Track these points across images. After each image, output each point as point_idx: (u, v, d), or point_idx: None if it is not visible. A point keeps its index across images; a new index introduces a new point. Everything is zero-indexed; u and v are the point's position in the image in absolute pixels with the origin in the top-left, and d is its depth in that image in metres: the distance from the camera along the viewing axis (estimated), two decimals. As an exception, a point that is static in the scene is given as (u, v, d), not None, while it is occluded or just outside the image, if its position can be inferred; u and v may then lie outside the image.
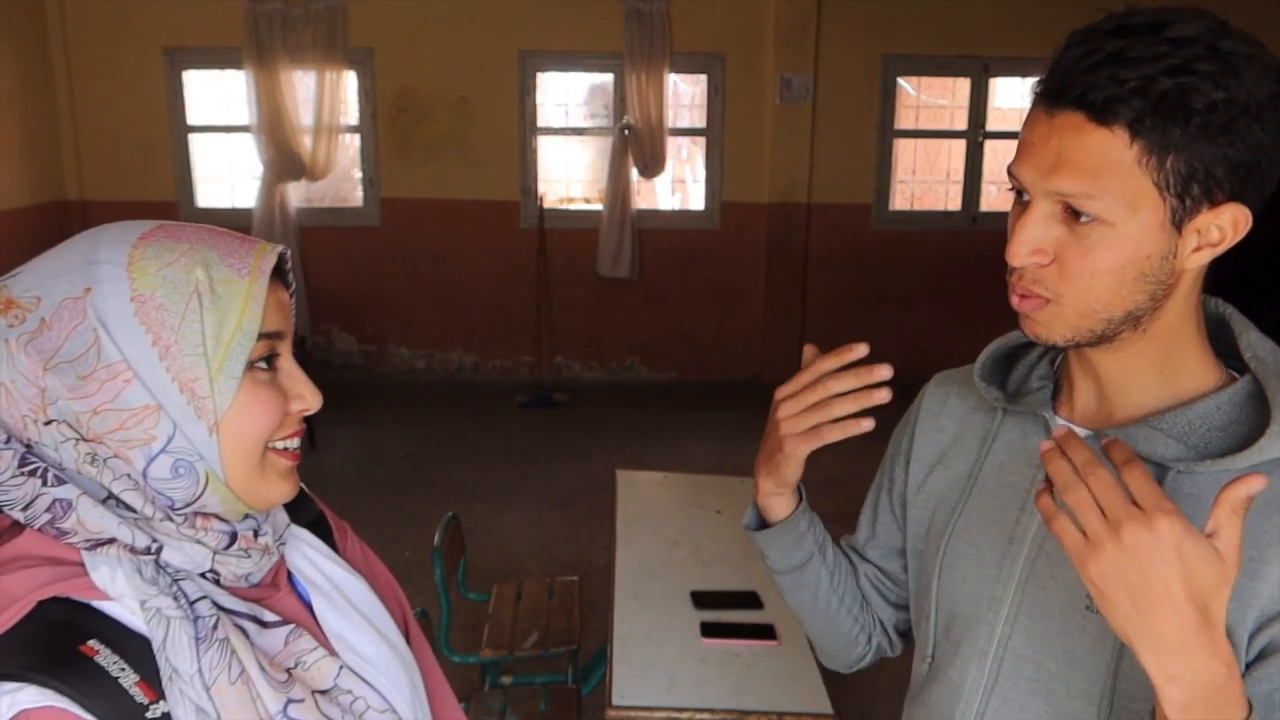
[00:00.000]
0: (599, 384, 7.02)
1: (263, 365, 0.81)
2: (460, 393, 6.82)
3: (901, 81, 6.86)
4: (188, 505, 0.78)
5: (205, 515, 0.80)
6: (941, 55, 6.63)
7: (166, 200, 6.62)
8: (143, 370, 0.75)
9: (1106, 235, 0.82)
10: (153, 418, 0.75)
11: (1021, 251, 0.86)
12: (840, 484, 5.24)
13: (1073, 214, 0.83)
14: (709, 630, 2.34)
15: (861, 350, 0.97)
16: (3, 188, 5.87)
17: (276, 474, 0.83)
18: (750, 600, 2.49)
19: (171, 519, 0.77)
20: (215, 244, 0.80)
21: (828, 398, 0.97)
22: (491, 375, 7.04)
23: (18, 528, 0.77)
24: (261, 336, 0.79)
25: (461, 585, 3.08)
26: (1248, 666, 0.85)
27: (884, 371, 0.94)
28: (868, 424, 0.95)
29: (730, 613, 2.43)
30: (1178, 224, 0.82)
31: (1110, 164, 0.80)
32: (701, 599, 2.48)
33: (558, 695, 2.64)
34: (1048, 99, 0.83)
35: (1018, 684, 0.95)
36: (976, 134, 6.85)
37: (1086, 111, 0.80)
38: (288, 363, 0.84)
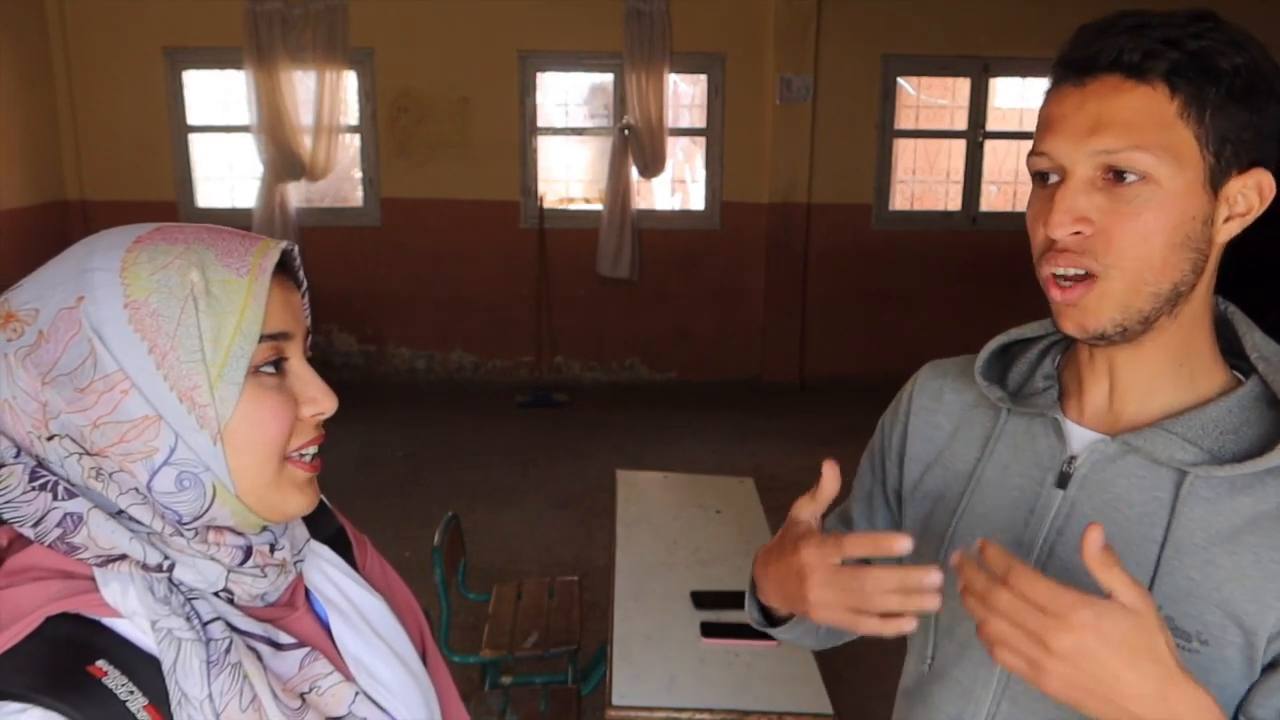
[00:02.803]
0: (599, 384, 7.02)
1: (269, 369, 0.77)
2: (460, 393, 6.82)
3: (901, 81, 6.86)
4: (196, 519, 0.75)
5: (218, 529, 0.77)
6: (941, 55, 6.63)
7: (166, 200, 6.62)
8: (140, 380, 0.72)
9: (1155, 194, 0.82)
10: (153, 429, 0.73)
11: (1064, 221, 0.84)
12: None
13: (1114, 178, 0.83)
14: (709, 630, 2.34)
15: (904, 547, 0.84)
16: (3, 188, 5.87)
17: (294, 485, 0.80)
18: (750, 600, 2.49)
19: (181, 534, 0.74)
20: (213, 244, 0.76)
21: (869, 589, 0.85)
22: (491, 375, 7.04)
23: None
24: (265, 338, 0.75)
25: (461, 585, 3.08)
26: (1263, 670, 0.85)
27: (934, 579, 0.83)
28: (908, 625, 0.85)
29: (730, 613, 2.42)
30: (1214, 187, 0.83)
31: (1154, 117, 0.81)
32: (701, 599, 2.48)
33: (558, 695, 2.64)
34: (1077, 70, 0.84)
35: (1029, 689, 0.92)
36: (976, 134, 6.85)
37: (1123, 71, 0.82)
38: (298, 365, 0.80)
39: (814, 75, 6.52)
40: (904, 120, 6.98)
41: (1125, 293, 0.85)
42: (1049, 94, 0.87)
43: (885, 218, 6.94)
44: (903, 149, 7.10)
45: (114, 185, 6.58)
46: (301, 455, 0.80)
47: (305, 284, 0.83)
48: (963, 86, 6.89)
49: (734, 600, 2.49)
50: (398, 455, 5.54)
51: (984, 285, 6.59)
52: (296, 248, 0.82)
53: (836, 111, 6.61)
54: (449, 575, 2.82)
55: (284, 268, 0.80)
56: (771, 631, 1.12)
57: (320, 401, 0.80)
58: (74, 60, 6.44)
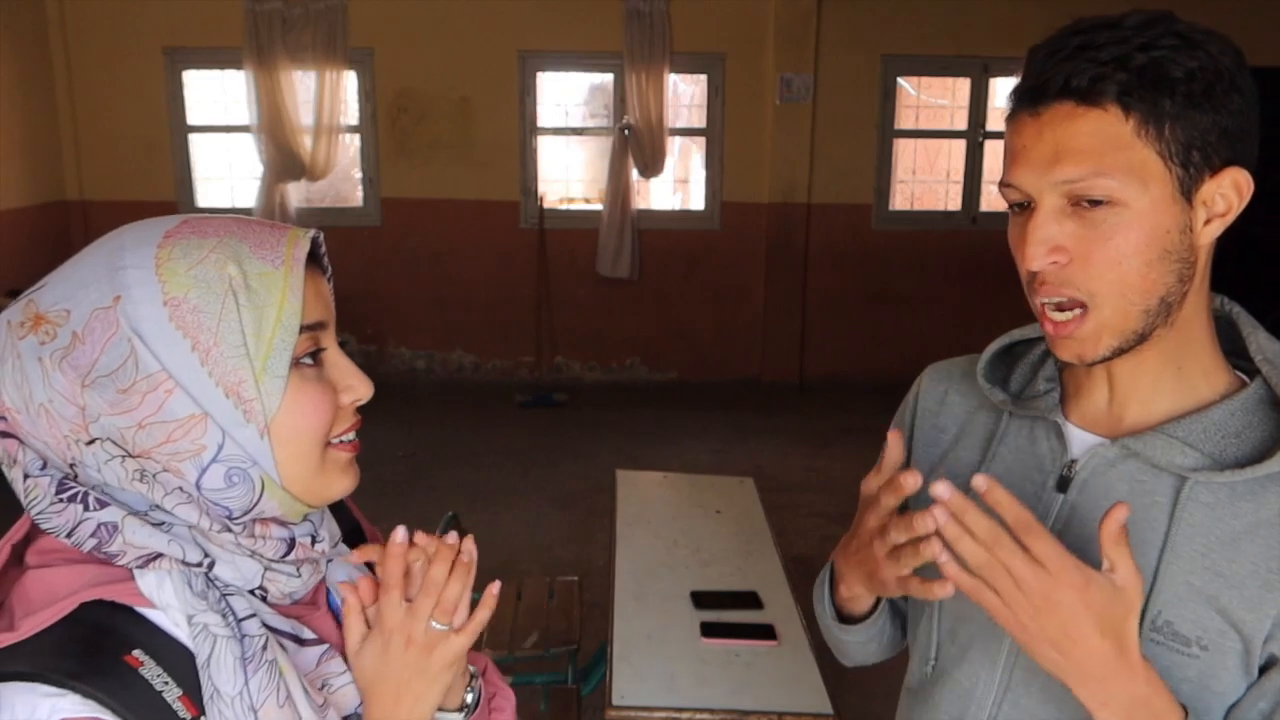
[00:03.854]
0: (599, 384, 7.02)
1: (308, 360, 0.77)
2: (460, 393, 6.81)
3: (901, 81, 6.86)
4: (246, 513, 0.75)
5: (264, 521, 0.77)
6: (941, 55, 6.63)
7: (166, 200, 6.63)
8: (184, 378, 0.71)
9: (1123, 216, 0.82)
10: (200, 427, 0.72)
11: (1039, 253, 0.84)
12: (840, 485, 5.24)
13: (1082, 204, 0.82)
14: (709, 630, 2.34)
15: (913, 484, 0.86)
16: (3, 188, 5.86)
17: (337, 469, 0.81)
18: (750, 600, 2.49)
19: (230, 529, 0.74)
20: (245, 236, 0.75)
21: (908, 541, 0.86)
22: (491, 375, 7.04)
23: None
24: (304, 329, 0.76)
25: (461, 585, 3.08)
26: (1260, 671, 0.85)
27: (910, 480, 0.86)
28: (945, 589, 0.83)
29: (730, 613, 2.42)
30: (1186, 195, 0.82)
31: (1110, 141, 0.80)
32: (701, 599, 2.48)
33: (558, 695, 2.64)
34: (1030, 100, 0.84)
35: (1030, 690, 0.95)
36: (976, 134, 6.85)
37: (1074, 98, 0.81)
38: (334, 354, 0.80)
39: (814, 75, 6.52)
40: (904, 120, 6.98)
41: (1117, 317, 0.85)
42: (1009, 123, 0.86)
43: (885, 218, 6.94)
44: (903, 149, 7.10)
45: (114, 185, 6.58)
46: (342, 439, 0.81)
47: (330, 270, 0.83)
48: (963, 86, 6.89)
49: (734, 600, 2.49)
50: (398, 455, 5.54)
51: (984, 285, 6.59)
52: (322, 234, 0.81)
53: (836, 111, 6.61)
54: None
55: (310, 255, 0.80)
56: (844, 633, 1.11)
57: (358, 388, 0.81)
58: (74, 60, 6.44)
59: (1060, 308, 0.86)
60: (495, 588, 0.84)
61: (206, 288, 0.72)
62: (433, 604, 0.80)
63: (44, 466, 0.72)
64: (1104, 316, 0.85)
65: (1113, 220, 0.82)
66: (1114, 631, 0.78)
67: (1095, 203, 0.82)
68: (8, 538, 0.76)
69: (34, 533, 0.76)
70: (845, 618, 1.10)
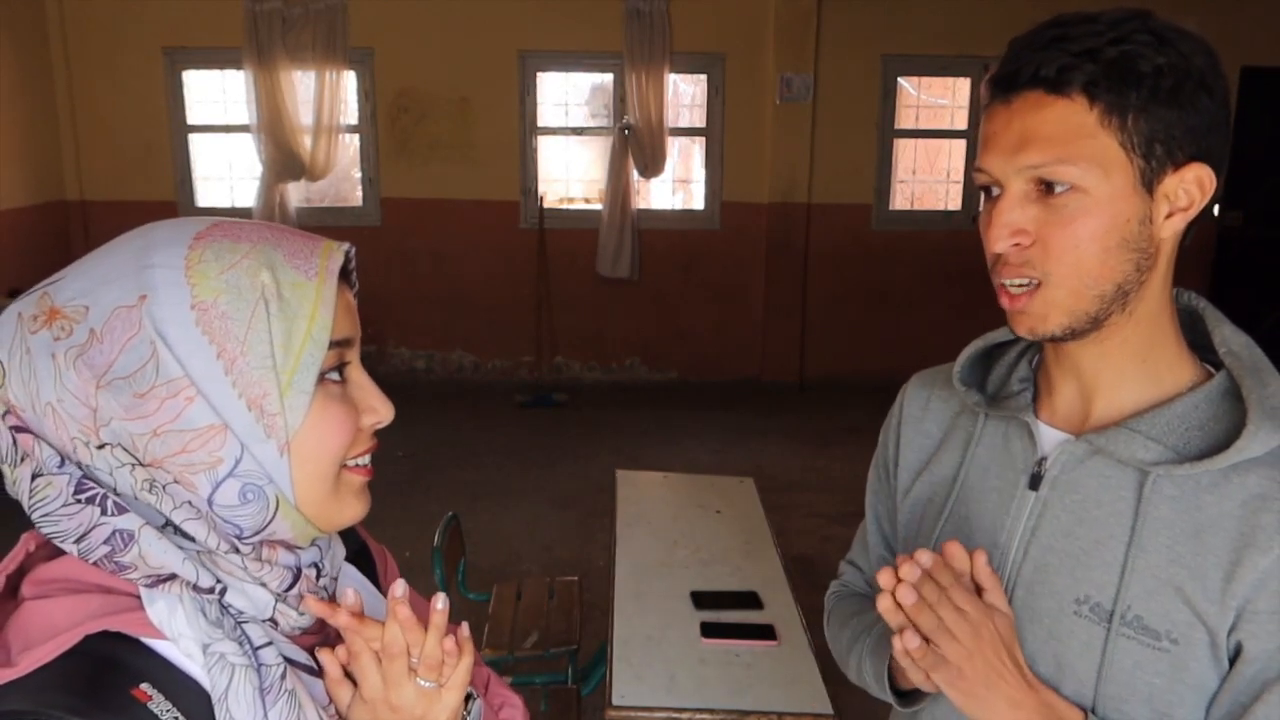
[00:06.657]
0: (599, 384, 7.02)
1: (334, 377, 0.74)
2: (460, 393, 6.81)
3: (902, 81, 6.86)
4: (257, 533, 0.71)
5: (271, 544, 0.74)
6: (941, 55, 6.63)
7: (166, 200, 6.63)
8: (206, 386, 0.68)
9: (1083, 202, 0.83)
10: (218, 439, 0.68)
11: (1001, 235, 0.86)
12: (840, 484, 5.24)
13: (1046, 189, 0.84)
14: (709, 630, 2.34)
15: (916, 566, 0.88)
16: (3, 188, 5.86)
17: (350, 493, 0.77)
18: (750, 600, 2.49)
19: (239, 549, 0.71)
20: (279, 243, 0.72)
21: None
22: (491, 375, 7.04)
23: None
24: (332, 345, 0.72)
25: (461, 585, 3.08)
26: (1231, 662, 0.85)
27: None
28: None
29: (730, 613, 2.42)
30: (1148, 186, 0.84)
31: (1075, 129, 0.82)
32: (701, 599, 2.48)
33: (558, 695, 2.64)
34: (1002, 88, 0.86)
35: None
36: (977, 134, 6.83)
37: (1043, 87, 0.83)
38: (357, 373, 0.77)
39: (814, 75, 6.52)
40: (904, 120, 6.98)
41: (1068, 297, 0.86)
42: (984, 112, 0.89)
43: (885, 218, 6.94)
44: (903, 149, 7.10)
45: (114, 185, 6.58)
46: (357, 463, 0.78)
47: (357, 285, 0.81)
48: (963, 86, 6.89)
49: (734, 600, 2.49)
50: (398, 455, 5.53)
51: (984, 285, 6.44)
52: (354, 249, 0.79)
53: (836, 111, 6.61)
54: (449, 575, 2.82)
55: (342, 270, 0.77)
56: (899, 706, 1.10)
57: (379, 410, 0.78)
58: (74, 60, 6.44)
59: (1018, 285, 0.89)
60: (464, 630, 0.80)
61: (237, 294, 0.69)
62: (403, 668, 0.76)
63: (62, 464, 0.68)
64: (1056, 295, 0.87)
65: (1073, 206, 0.84)
66: (1013, 655, 0.86)
67: (1059, 189, 0.84)
68: (1, 567, 0.72)
69: (29, 562, 0.73)
70: (902, 692, 1.08)
